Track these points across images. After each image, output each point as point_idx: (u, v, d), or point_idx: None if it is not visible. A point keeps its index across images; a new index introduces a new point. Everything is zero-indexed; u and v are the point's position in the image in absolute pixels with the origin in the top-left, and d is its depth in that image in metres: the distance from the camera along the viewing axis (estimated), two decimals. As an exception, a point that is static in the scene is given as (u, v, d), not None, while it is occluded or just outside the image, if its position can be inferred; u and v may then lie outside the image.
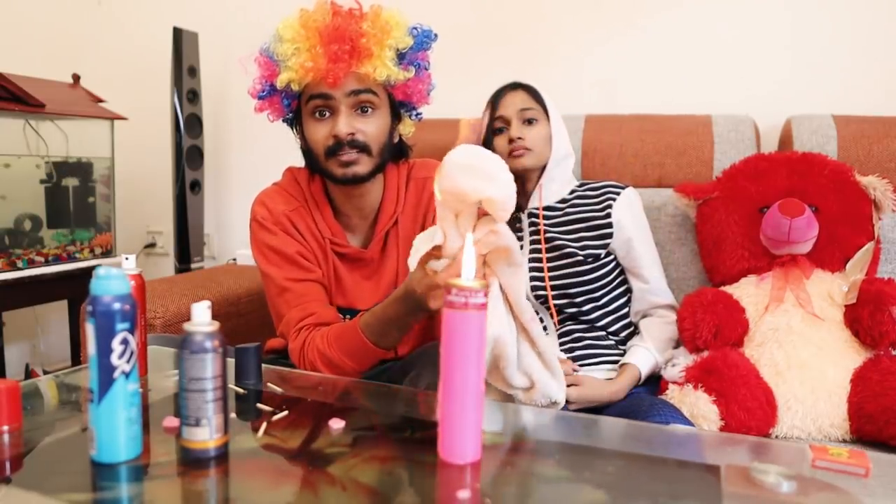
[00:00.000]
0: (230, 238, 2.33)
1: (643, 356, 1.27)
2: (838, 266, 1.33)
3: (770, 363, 1.23)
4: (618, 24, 1.85)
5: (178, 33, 2.03)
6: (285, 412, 0.81)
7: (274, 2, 2.20)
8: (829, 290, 1.29)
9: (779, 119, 1.68)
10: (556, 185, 1.37)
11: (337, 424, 0.77)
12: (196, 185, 2.13)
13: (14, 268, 1.75)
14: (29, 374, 2.19)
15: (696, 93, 1.76)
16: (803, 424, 1.16)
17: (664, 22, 1.81)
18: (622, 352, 1.32)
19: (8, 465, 0.68)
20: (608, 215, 1.33)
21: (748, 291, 1.33)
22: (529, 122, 1.33)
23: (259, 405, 0.83)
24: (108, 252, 2.03)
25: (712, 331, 1.23)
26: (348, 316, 1.16)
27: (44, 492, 0.60)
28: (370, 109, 1.09)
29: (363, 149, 1.09)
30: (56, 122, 1.94)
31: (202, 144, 2.14)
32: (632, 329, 1.37)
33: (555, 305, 1.32)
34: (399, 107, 1.16)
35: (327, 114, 1.08)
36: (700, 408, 1.12)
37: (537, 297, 1.33)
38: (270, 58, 1.09)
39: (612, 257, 1.34)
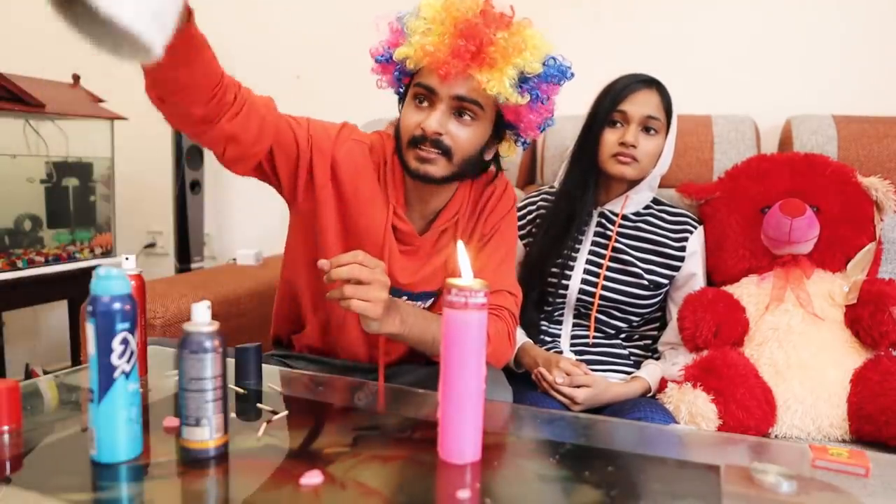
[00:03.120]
0: (230, 238, 2.33)
1: (657, 376, 1.26)
2: (839, 266, 1.33)
3: (770, 363, 1.23)
4: (617, 24, 1.85)
5: (178, 33, 2.02)
6: (285, 412, 0.81)
7: (273, 2, 2.21)
8: (830, 291, 1.29)
9: (779, 119, 1.68)
10: (637, 196, 1.33)
11: (311, 479, 0.63)
12: (196, 185, 2.13)
13: (14, 268, 1.75)
14: (29, 374, 2.19)
15: (696, 93, 1.76)
16: (803, 424, 1.16)
17: (664, 22, 1.81)
18: (633, 363, 1.31)
19: (8, 465, 0.68)
20: (683, 248, 1.31)
21: (749, 291, 1.33)
22: (649, 130, 1.25)
23: (259, 405, 0.83)
24: (108, 252, 2.03)
25: (713, 330, 1.23)
26: None
27: (44, 492, 0.60)
28: (468, 117, 1.03)
29: (445, 151, 1.02)
30: (56, 122, 1.94)
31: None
32: (649, 346, 1.37)
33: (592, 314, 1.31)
34: (505, 127, 1.09)
35: (426, 104, 1.03)
36: (698, 406, 1.12)
37: (580, 301, 1.31)
38: (402, 27, 1.04)
39: (667, 287, 1.33)
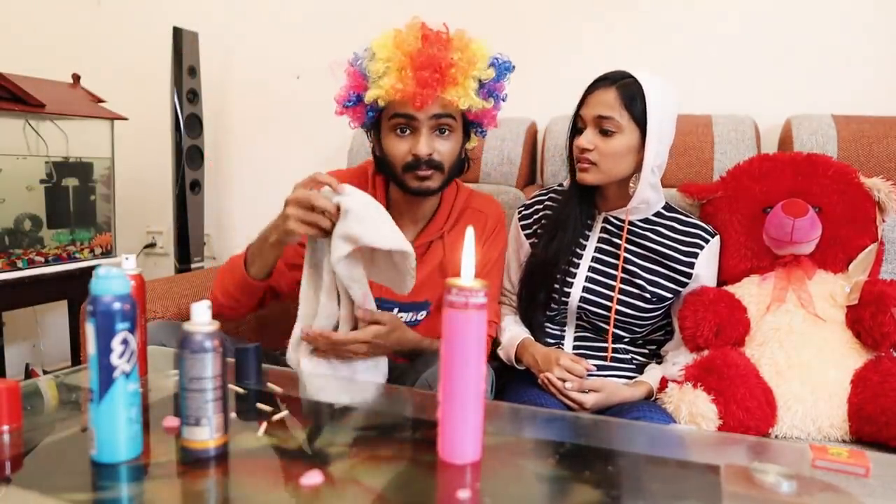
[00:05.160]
0: (230, 238, 2.33)
1: (658, 379, 1.25)
2: (841, 267, 1.33)
3: (771, 363, 1.23)
4: (617, 24, 1.85)
5: (178, 33, 2.03)
6: (285, 412, 0.80)
7: (274, 2, 2.21)
8: (832, 291, 1.29)
9: (779, 119, 1.68)
10: (644, 207, 1.27)
11: (311, 479, 0.63)
12: (196, 185, 2.13)
13: (14, 268, 1.75)
14: (29, 374, 2.19)
15: (697, 93, 1.76)
16: (803, 424, 1.16)
17: (664, 22, 1.81)
18: (635, 367, 1.31)
19: (8, 465, 0.68)
20: (691, 264, 1.26)
21: (750, 291, 1.33)
22: (606, 132, 1.20)
23: (259, 405, 0.83)
24: (108, 252, 2.03)
25: (713, 329, 1.23)
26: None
27: (44, 492, 0.60)
28: (447, 131, 1.17)
29: (437, 167, 1.17)
30: (56, 122, 1.94)
31: (202, 144, 2.14)
32: (654, 352, 1.36)
33: (593, 321, 1.29)
34: (469, 126, 1.23)
35: (408, 131, 1.16)
36: (699, 406, 1.12)
37: (581, 309, 1.29)
38: (362, 72, 1.16)
39: (672, 300, 1.30)
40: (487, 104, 1.16)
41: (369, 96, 1.14)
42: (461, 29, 1.17)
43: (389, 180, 1.25)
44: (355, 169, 1.34)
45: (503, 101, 1.22)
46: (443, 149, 1.17)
